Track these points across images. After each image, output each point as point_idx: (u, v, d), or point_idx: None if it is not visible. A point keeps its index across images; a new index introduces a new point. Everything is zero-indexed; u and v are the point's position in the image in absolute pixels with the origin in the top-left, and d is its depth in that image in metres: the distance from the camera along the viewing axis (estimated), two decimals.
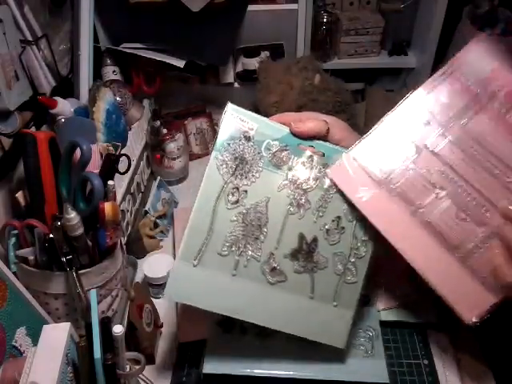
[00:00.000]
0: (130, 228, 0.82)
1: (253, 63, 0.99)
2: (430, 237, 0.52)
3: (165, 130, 0.93)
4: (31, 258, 0.58)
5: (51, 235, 0.55)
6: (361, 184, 0.54)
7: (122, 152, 0.70)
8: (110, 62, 0.93)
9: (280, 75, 0.89)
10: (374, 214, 0.54)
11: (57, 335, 0.49)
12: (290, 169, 0.55)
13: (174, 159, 0.95)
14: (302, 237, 0.55)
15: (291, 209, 0.55)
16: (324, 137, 0.56)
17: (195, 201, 0.53)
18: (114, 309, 0.65)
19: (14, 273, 0.56)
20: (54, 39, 0.78)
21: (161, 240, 0.85)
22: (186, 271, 0.53)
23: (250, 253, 0.54)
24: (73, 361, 0.50)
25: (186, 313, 0.66)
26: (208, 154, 1.02)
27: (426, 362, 0.62)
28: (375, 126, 0.56)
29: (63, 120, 0.71)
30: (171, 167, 0.96)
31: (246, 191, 0.54)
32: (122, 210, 0.77)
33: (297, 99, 0.86)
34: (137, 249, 0.81)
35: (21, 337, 0.52)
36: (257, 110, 0.56)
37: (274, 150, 0.55)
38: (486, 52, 0.59)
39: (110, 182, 0.61)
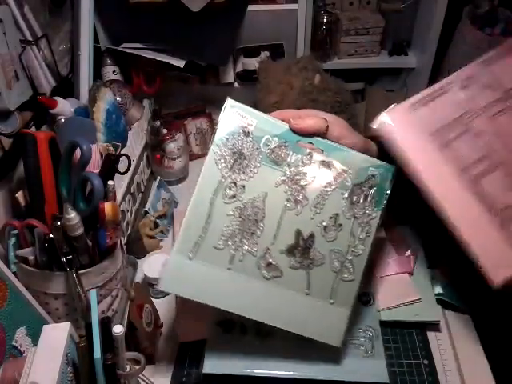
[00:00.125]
0: (129, 228, 0.82)
1: (253, 63, 0.99)
2: (474, 197, 0.53)
3: (165, 130, 0.93)
4: (31, 258, 0.58)
5: (51, 235, 0.55)
6: (413, 136, 0.55)
7: (122, 152, 0.70)
8: (110, 62, 0.93)
9: (280, 75, 0.89)
10: (422, 167, 0.54)
11: (57, 335, 0.49)
12: (288, 165, 0.55)
13: (174, 159, 0.95)
14: (298, 233, 0.55)
15: (288, 205, 0.55)
16: (323, 134, 0.56)
17: (192, 194, 0.53)
18: (114, 309, 0.65)
19: (14, 273, 0.56)
20: (54, 39, 0.78)
21: (161, 240, 0.85)
22: (181, 264, 0.53)
23: (245, 247, 0.54)
24: (73, 361, 0.50)
25: (186, 313, 0.66)
26: None
27: (426, 362, 0.62)
28: (439, 83, 0.57)
29: (63, 120, 0.71)
30: (171, 167, 0.96)
31: (243, 186, 0.54)
32: (122, 210, 0.77)
33: (297, 99, 0.86)
34: (137, 249, 0.81)
35: (21, 337, 0.52)
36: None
37: (273, 146, 0.55)
38: None
39: (110, 182, 0.62)
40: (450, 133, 0.56)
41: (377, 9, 1.10)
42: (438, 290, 0.69)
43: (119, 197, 0.75)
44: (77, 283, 0.57)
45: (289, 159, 0.55)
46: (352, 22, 1.06)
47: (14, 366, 0.47)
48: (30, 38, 0.70)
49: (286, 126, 0.56)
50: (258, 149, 0.55)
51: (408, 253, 0.73)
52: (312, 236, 0.56)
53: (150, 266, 0.72)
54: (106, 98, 0.78)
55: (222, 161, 0.54)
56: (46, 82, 0.74)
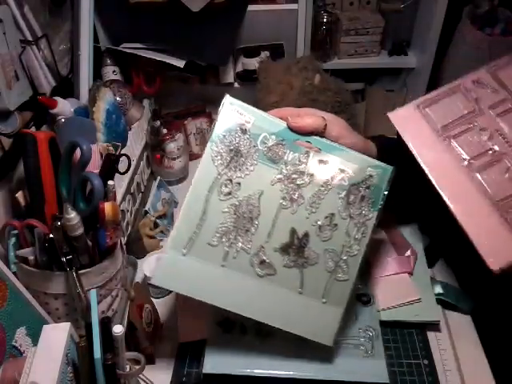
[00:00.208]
0: (129, 228, 0.82)
1: (253, 63, 0.99)
2: (477, 187, 0.57)
3: (165, 130, 0.93)
4: (31, 258, 0.58)
5: (51, 235, 0.55)
6: (420, 131, 0.60)
7: (122, 152, 0.70)
8: (110, 62, 0.93)
9: (280, 75, 0.89)
10: (427, 160, 0.59)
11: (57, 335, 0.49)
12: (285, 163, 0.55)
13: (174, 159, 0.95)
14: (293, 231, 0.55)
15: (284, 203, 0.55)
16: (321, 133, 0.56)
17: (188, 190, 0.54)
18: (114, 309, 0.65)
19: (14, 273, 0.56)
20: (54, 39, 0.78)
21: (161, 240, 0.85)
22: (175, 259, 0.53)
23: (240, 244, 0.55)
24: (73, 361, 0.50)
25: (186, 313, 0.66)
26: None
27: (426, 362, 0.62)
28: (452, 82, 0.62)
29: (63, 120, 0.71)
30: (171, 167, 0.96)
31: (239, 183, 0.54)
32: (122, 210, 0.77)
33: (297, 99, 0.86)
34: (137, 249, 0.81)
35: (21, 337, 0.52)
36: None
37: (270, 144, 0.55)
38: None
39: (110, 182, 0.62)
40: (455, 129, 0.60)
41: (377, 9, 1.10)
42: (438, 289, 0.69)
43: (119, 197, 0.75)
44: (77, 283, 0.57)
45: (286, 157, 0.55)
46: (352, 22, 1.06)
47: (14, 366, 0.47)
48: (30, 38, 0.70)
49: (283, 124, 0.56)
50: (254, 146, 0.55)
51: (408, 253, 0.73)
52: (307, 235, 0.56)
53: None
54: (106, 98, 0.78)
55: (219, 158, 0.54)
56: (46, 82, 0.74)
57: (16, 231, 0.58)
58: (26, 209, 0.61)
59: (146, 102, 0.98)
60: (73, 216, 0.55)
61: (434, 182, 0.60)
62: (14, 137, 0.65)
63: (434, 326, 0.66)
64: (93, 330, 0.48)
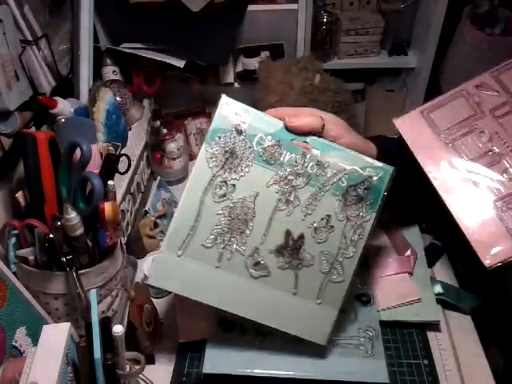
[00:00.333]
0: (129, 228, 0.82)
1: (253, 63, 0.99)
2: (474, 187, 0.60)
3: (165, 130, 0.93)
4: (31, 258, 0.58)
5: (51, 235, 0.55)
6: (424, 136, 0.63)
7: (122, 152, 0.70)
8: (110, 62, 0.93)
9: (280, 75, 0.89)
10: (427, 161, 0.61)
11: (57, 335, 0.49)
12: (281, 165, 0.54)
13: (174, 159, 0.95)
14: (288, 233, 0.55)
15: (279, 205, 0.55)
16: (319, 133, 0.55)
17: (183, 192, 0.54)
18: (114, 309, 0.65)
19: (14, 273, 0.56)
20: (54, 39, 0.78)
21: (161, 240, 0.85)
22: (169, 260, 0.54)
23: (234, 246, 0.55)
24: (73, 361, 0.50)
25: (186, 313, 0.66)
26: None
27: (426, 362, 0.62)
28: (455, 88, 0.65)
29: (63, 120, 0.71)
30: (171, 167, 0.96)
31: (234, 185, 0.54)
32: (122, 210, 0.77)
33: (297, 99, 0.86)
34: (137, 249, 0.81)
35: (21, 337, 0.52)
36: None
37: (266, 145, 0.54)
38: None
39: (110, 182, 0.61)
40: (457, 133, 0.62)
41: (377, 9, 1.10)
42: (438, 289, 0.69)
43: (119, 197, 0.75)
44: (77, 283, 0.57)
45: (282, 159, 0.54)
46: (352, 22, 1.06)
47: (13, 366, 0.47)
48: (30, 38, 0.70)
49: (280, 124, 0.55)
50: (250, 147, 0.54)
51: (408, 253, 0.73)
52: (302, 237, 0.55)
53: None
54: (106, 98, 0.78)
55: (213, 159, 0.54)
56: (46, 82, 0.74)
57: (16, 231, 0.58)
58: (25, 209, 0.61)
59: (146, 102, 0.98)
60: (73, 216, 0.55)
61: (432, 181, 0.61)
62: (14, 137, 0.65)
63: (434, 326, 0.66)
64: (93, 330, 0.48)
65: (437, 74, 1.09)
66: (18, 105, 0.65)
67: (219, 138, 0.54)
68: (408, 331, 0.66)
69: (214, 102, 0.54)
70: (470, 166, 0.61)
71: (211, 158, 0.54)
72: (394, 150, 0.62)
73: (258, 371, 0.58)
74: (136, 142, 0.90)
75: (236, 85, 1.04)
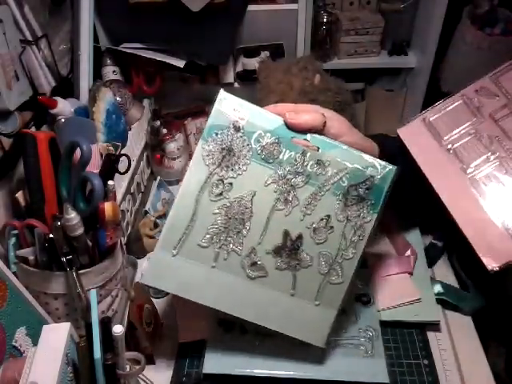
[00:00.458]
0: (129, 228, 0.82)
1: (253, 63, 0.99)
2: (474, 192, 0.61)
3: (165, 130, 0.93)
4: (31, 258, 0.58)
5: (51, 235, 0.55)
6: (424, 142, 0.64)
7: (122, 152, 0.70)
8: (110, 62, 0.93)
9: (280, 75, 0.89)
10: (429, 168, 0.63)
11: (57, 335, 0.49)
12: (279, 163, 0.53)
13: (174, 159, 0.95)
14: (286, 233, 0.54)
15: (277, 205, 0.53)
16: (320, 130, 0.53)
17: (179, 190, 0.53)
18: (114, 309, 0.65)
19: (14, 273, 0.56)
20: (54, 39, 0.78)
21: None
22: (164, 260, 0.53)
23: (231, 246, 0.54)
24: (73, 361, 0.50)
25: (186, 313, 0.66)
26: None
27: (426, 362, 0.62)
28: (450, 95, 0.66)
29: (63, 120, 0.71)
30: (171, 167, 0.96)
31: (231, 184, 0.53)
32: (122, 210, 0.77)
33: (297, 99, 0.86)
34: (137, 249, 0.81)
35: (21, 337, 0.52)
36: None
37: (265, 143, 0.53)
38: None
39: (110, 182, 0.62)
40: (458, 138, 0.63)
41: (377, 9, 1.10)
42: (438, 289, 0.69)
43: (119, 197, 0.75)
44: (77, 283, 0.57)
45: (281, 157, 0.53)
46: (352, 22, 1.06)
47: (14, 366, 0.47)
48: (30, 38, 0.70)
49: (280, 121, 0.53)
50: (248, 145, 0.53)
51: (408, 253, 0.73)
52: (300, 237, 0.54)
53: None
54: (106, 98, 0.78)
55: (210, 157, 0.52)
56: (46, 82, 0.74)
57: (16, 231, 0.58)
58: (25, 209, 0.61)
59: (146, 102, 0.98)
60: (73, 216, 0.55)
61: (432, 182, 0.61)
62: (14, 137, 0.65)
63: (434, 326, 0.66)
64: (93, 330, 0.48)
65: (437, 74, 1.10)
66: (17, 105, 0.65)
67: (216, 134, 0.52)
68: (408, 331, 0.66)
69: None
70: (472, 172, 0.62)
71: (208, 155, 0.52)
72: (395, 149, 0.61)
73: (258, 371, 0.58)
74: (136, 142, 0.90)
75: (236, 85, 1.04)
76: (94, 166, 0.65)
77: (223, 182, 0.53)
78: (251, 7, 0.95)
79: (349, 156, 0.54)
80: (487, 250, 0.58)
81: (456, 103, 0.65)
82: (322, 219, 0.54)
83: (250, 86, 0.97)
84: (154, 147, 0.95)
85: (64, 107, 0.72)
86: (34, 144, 0.59)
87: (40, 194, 0.60)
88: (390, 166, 0.54)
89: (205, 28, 0.94)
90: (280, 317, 0.56)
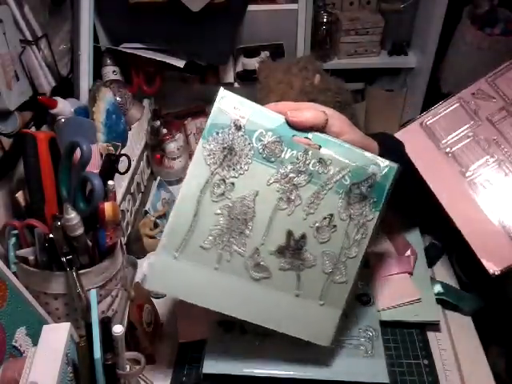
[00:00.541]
0: (129, 228, 0.82)
1: (253, 63, 0.99)
2: (474, 195, 0.61)
3: (165, 130, 0.93)
4: (31, 258, 0.58)
5: (51, 235, 0.55)
6: (422, 146, 0.65)
7: (122, 152, 0.70)
8: (110, 62, 0.93)
9: (280, 75, 0.89)
10: (428, 172, 0.63)
11: (57, 335, 0.49)
12: (281, 162, 0.52)
13: (174, 159, 0.95)
14: (289, 233, 0.53)
15: (280, 204, 0.53)
16: (322, 128, 0.53)
17: (179, 191, 0.52)
18: (114, 309, 0.65)
19: (14, 273, 0.56)
20: (54, 39, 0.78)
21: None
22: (166, 262, 0.52)
23: (234, 247, 0.53)
24: (73, 361, 0.50)
25: (186, 313, 0.66)
26: None
27: (426, 362, 0.62)
28: (447, 98, 0.66)
29: (63, 120, 0.71)
30: (171, 167, 0.96)
31: (233, 184, 0.52)
32: (122, 210, 0.77)
33: (297, 99, 0.86)
34: (137, 249, 0.81)
35: (21, 337, 0.52)
36: None
37: (266, 142, 0.52)
38: None
39: (110, 182, 0.62)
40: (456, 142, 0.64)
41: (377, 9, 1.10)
42: (438, 289, 0.69)
43: (119, 197, 0.75)
44: (77, 283, 0.57)
45: (283, 156, 0.52)
46: (352, 22, 1.06)
47: (14, 366, 0.47)
48: (30, 38, 0.70)
49: (281, 119, 0.52)
50: (249, 144, 0.52)
51: (408, 253, 0.73)
52: (304, 237, 0.54)
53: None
54: (106, 98, 0.78)
55: (211, 156, 0.51)
56: (46, 82, 0.74)
57: (16, 231, 0.58)
58: (25, 209, 0.61)
59: (146, 102, 0.98)
60: (73, 216, 0.55)
61: (431, 187, 0.62)
62: (14, 137, 0.65)
63: (434, 326, 0.66)
64: (93, 330, 0.48)
65: (437, 74, 1.09)
66: (17, 105, 0.65)
67: (217, 133, 0.51)
68: (408, 331, 0.66)
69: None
70: (471, 175, 0.62)
71: (209, 154, 0.51)
72: (395, 148, 0.61)
73: (258, 371, 0.58)
74: (136, 142, 0.90)
75: (236, 85, 1.04)
76: (94, 166, 0.65)
77: (225, 181, 0.52)
78: (251, 7, 0.95)
79: (351, 154, 0.53)
80: (488, 253, 0.58)
81: (453, 106, 0.65)
82: (324, 218, 0.53)
83: (250, 86, 0.97)
84: (154, 147, 0.95)
85: (64, 107, 0.72)
86: (34, 144, 0.59)
87: (40, 194, 0.60)
88: (393, 164, 0.54)
89: (205, 28, 0.94)
90: (285, 318, 0.55)
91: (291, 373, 0.58)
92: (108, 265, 0.61)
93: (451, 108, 0.65)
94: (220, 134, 0.51)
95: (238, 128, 0.52)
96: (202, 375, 0.58)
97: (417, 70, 1.11)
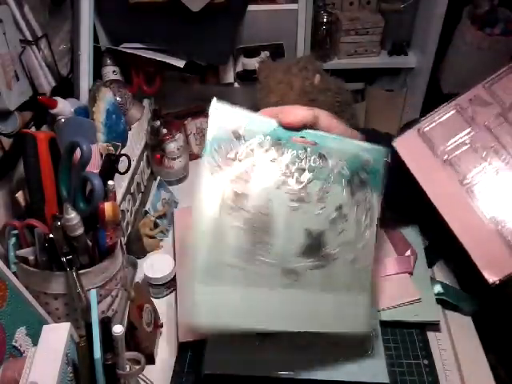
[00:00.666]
0: (129, 228, 0.82)
1: (253, 63, 0.99)
2: (472, 203, 0.60)
3: (165, 130, 0.93)
4: (31, 258, 0.58)
5: (51, 235, 0.55)
6: (420, 154, 0.63)
7: (122, 152, 0.70)
8: (110, 62, 0.93)
9: (280, 75, 0.89)
10: (426, 180, 0.62)
11: (57, 335, 0.49)
12: (285, 163, 0.53)
13: (174, 159, 0.95)
14: (308, 232, 0.53)
15: (293, 204, 0.53)
16: (314, 125, 0.55)
17: (192, 214, 0.49)
18: (114, 309, 0.65)
19: (14, 273, 0.56)
20: (54, 39, 0.78)
21: (161, 240, 0.85)
22: (204, 293, 0.49)
23: (259, 258, 0.51)
24: (73, 361, 0.50)
25: (186, 313, 0.66)
26: None
27: (426, 362, 0.62)
28: (444, 105, 0.65)
29: (63, 120, 0.71)
30: (171, 167, 0.96)
31: (245, 194, 0.51)
32: (122, 210, 0.77)
33: (297, 99, 0.86)
34: (137, 249, 0.81)
35: (21, 337, 0.52)
36: (257, 111, 0.55)
37: (267, 146, 0.52)
38: None
39: (110, 182, 0.61)
40: (452, 150, 0.63)
41: (377, 9, 1.10)
42: (438, 289, 0.69)
43: (119, 197, 0.75)
44: (77, 283, 0.57)
45: (285, 157, 0.53)
46: (352, 22, 1.06)
47: (14, 366, 0.47)
48: (30, 38, 0.70)
49: (274, 123, 0.53)
50: (252, 151, 0.52)
51: (408, 253, 0.73)
52: (322, 232, 0.54)
53: (150, 266, 0.72)
54: (106, 98, 0.78)
55: (218, 170, 0.50)
56: (46, 82, 0.74)
57: (16, 231, 0.58)
58: (25, 209, 0.61)
59: (146, 102, 0.98)
60: (73, 216, 0.55)
61: (429, 194, 0.62)
62: (14, 137, 0.65)
63: (434, 326, 0.66)
64: (93, 330, 0.48)
65: (437, 74, 1.10)
66: (17, 105, 0.65)
67: (220, 147, 0.50)
68: (408, 331, 0.66)
69: None
70: (469, 183, 0.61)
71: (215, 168, 0.50)
72: (380, 139, 0.62)
73: (258, 371, 0.58)
74: (136, 142, 0.90)
75: (236, 85, 1.04)
76: (94, 166, 0.65)
77: (237, 193, 0.51)
78: (251, 7, 0.95)
79: (343, 145, 0.55)
80: (487, 262, 0.57)
81: (450, 113, 0.64)
82: (336, 209, 0.55)
83: (250, 86, 0.96)
84: (154, 147, 0.95)
85: (64, 107, 0.72)
86: (34, 144, 0.59)
87: (40, 194, 0.60)
88: (380, 147, 0.57)
89: (205, 28, 0.94)
90: (321, 317, 0.55)
91: (291, 373, 0.58)
92: (108, 265, 0.61)
93: (448, 115, 0.64)
94: (222, 147, 0.51)
95: (238, 138, 0.51)
96: (202, 375, 0.58)
97: (417, 70, 1.11)
